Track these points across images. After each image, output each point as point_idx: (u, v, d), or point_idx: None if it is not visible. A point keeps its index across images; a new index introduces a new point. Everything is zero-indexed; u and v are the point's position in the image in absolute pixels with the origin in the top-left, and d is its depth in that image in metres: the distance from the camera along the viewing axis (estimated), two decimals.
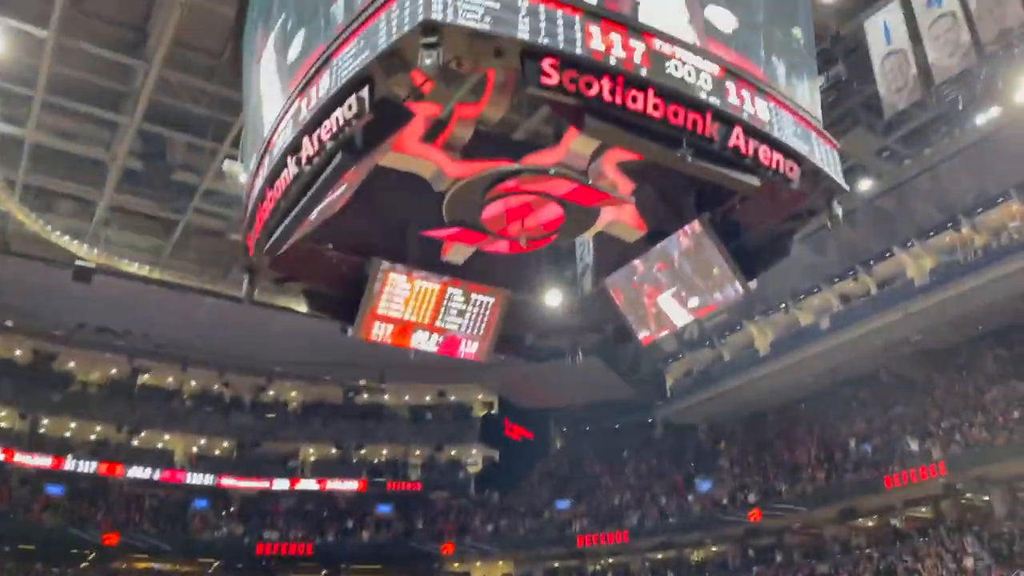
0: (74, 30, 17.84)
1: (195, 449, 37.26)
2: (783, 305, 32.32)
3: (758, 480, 31.85)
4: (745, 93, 7.42)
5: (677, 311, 10.63)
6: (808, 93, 8.60)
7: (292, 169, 7.46)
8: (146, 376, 37.12)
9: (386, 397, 41.38)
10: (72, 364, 35.61)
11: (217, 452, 37.82)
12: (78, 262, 24.04)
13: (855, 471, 28.21)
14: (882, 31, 17.30)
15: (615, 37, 6.63)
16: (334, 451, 39.32)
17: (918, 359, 30.50)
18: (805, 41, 8.93)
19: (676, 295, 10.48)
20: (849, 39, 17.64)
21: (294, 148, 7.39)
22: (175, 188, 23.80)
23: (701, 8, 7.56)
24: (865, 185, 25.20)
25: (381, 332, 10.45)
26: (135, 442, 35.71)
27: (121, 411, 35.33)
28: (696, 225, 9.92)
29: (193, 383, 38.25)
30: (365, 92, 6.53)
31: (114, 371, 36.46)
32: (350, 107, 6.62)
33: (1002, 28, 15.65)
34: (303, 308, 26.21)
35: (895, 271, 28.90)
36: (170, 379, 37.71)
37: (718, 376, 35.03)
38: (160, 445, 36.66)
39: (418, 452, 40.52)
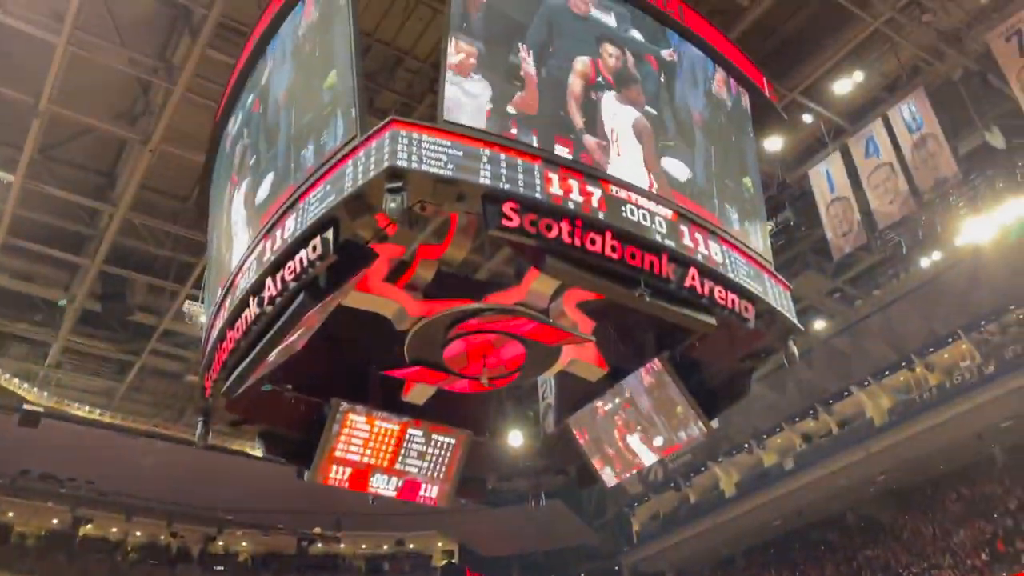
0: (41, 175, 18.07)
1: None
2: (747, 445, 32.20)
3: None
4: (698, 236, 7.73)
5: (643, 450, 10.55)
6: (759, 237, 8.97)
7: (254, 309, 7.48)
8: (88, 527, 35.24)
9: (342, 546, 39.63)
10: (11, 514, 33.77)
11: None
12: (26, 406, 23.29)
13: None
14: (825, 179, 18.29)
15: (573, 183, 6.94)
16: None
17: (883, 499, 30.28)
18: (755, 189, 9.40)
19: (642, 434, 10.43)
20: (795, 187, 18.59)
21: (257, 288, 7.44)
22: (132, 330, 23.51)
23: (658, 159, 7.98)
24: (819, 325, 25.82)
25: (339, 476, 10.19)
26: None
27: (60, 565, 33.25)
28: (657, 364, 10.02)
29: (138, 533, 36.33)
30: (330, 234, 6.68)
31: (55, 521, 34.57)
32: (314, 248, 6.74)
33: (937, 178, 16.65)
34: (258, 452, 25.61)
35: (854, 410, 29.15)
36: (114, 529, 35.81)
37: (685, 519, 34.28)
38: None
39: None
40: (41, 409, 23.45)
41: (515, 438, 12.42)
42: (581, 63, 7.78)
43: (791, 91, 17.08)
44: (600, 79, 7.88)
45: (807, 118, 18.12)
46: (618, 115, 7.82)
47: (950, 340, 26.44)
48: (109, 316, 22.68)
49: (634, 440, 10.49)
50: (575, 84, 7.64)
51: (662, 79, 8.57)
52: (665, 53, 8.76)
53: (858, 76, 17.15)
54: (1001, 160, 17.43)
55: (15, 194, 18.02)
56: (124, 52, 15.66)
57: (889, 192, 17.14)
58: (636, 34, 8.56)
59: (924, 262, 23.36)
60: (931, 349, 26.87)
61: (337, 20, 7.63)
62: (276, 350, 7.81)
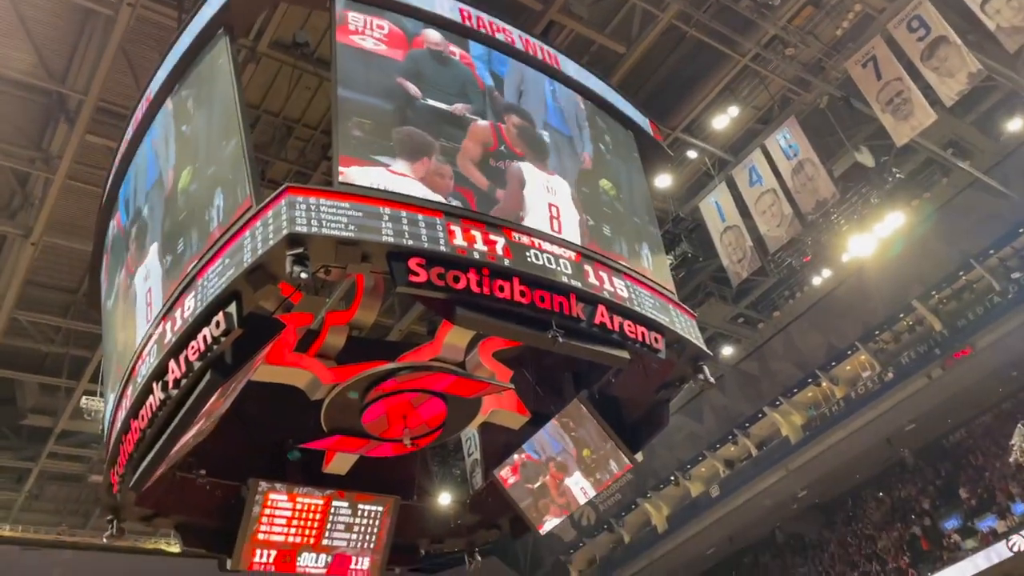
0: None
1: None
2: (672, 477, 32.55)
3: None
4: (603, 274, 7.92)
5: (578, 489, 10.55)
6: (660, 270, 9.25)
7: (158, 395, 7.20)
8: None
9: None
10: None
11: None
12: None
13: None
14: (716, 210, 19.04)
15: (476, 233, 7.02)
16: None
17: (808, 515, 31.01)
18: (651, 223, 9.71)
19: (575, 474, 10.45)
20: (688, 219, 19.26)
21: (160, 373, 7.17)
22: (26, 435, 22.12)
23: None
24: (727, 351, 26.58)
25: (264, 559, 9.75)
26: None
27: None
28: (577, 404, 10.10)
29: None
30: (233, 308, 6.52)
31: None
32: (218, 324, 6.56)
33: (818, 200, 17.56)
34: (175, 549, 24.33)
35: (770, 431, 29.92)
36: None
37: (621, 561, 34.19)
38: None
39: None
40: None
41: (444, 498, 12.20)
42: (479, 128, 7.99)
43: (673, 130, 17.81)
44: (502, 147, 8.09)
45: (691, 154, 18.91)
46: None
47: (849, 352, 27.55)
48: (0, 422, 21.32)
49: (569, 481, 10.48)
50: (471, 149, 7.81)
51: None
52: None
53: (733, 111, 18.03)
54: (873, 177, 18.53)
55: None
56: None
57: (775, 216, 17.96)
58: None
59: (816, 280, 24.45)
60: (833, 363, 27.92)
61: (219, 95, 7.57)
62: (186, 435, 7.49)
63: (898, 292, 25.42)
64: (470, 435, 11.77)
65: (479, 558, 11.86)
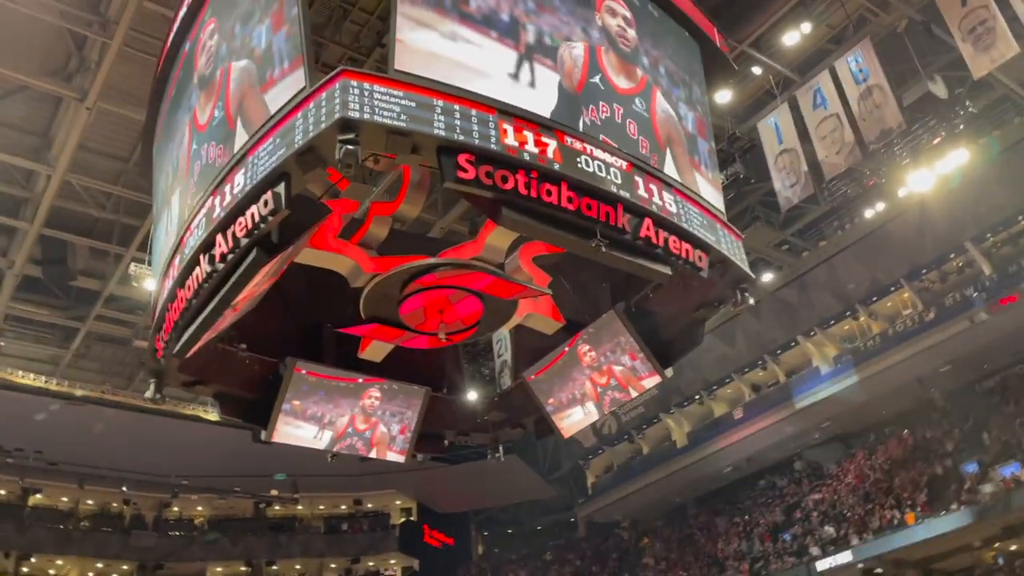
0: None
1: (91, 574, 34.58)
2: (697, 396, 32.87)
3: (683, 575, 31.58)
4: (653, 187, 7.75)
5: (605, 398, 10.69)
6: (712, 188, 9.05)
7: (204, 267, 7.32)
8: (38, 496, 34.63)
9: (300, 508, 39.65)
10: None
11: None
12: None
13: (778, 559, 28.32)
14: (774, 131, 18.47)
15: (528, 134, 6.88)
16: (244, 568, 37.14)
17: (829, 445, 31.28)
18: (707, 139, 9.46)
19: (598, 384, 10.58)
20: (744, 139, 18.73)
21: (207, 246, 7.28)
22: (76, 295, 22.91)
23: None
24: (767, 277, 26.30)
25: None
26: (25, 568, 32.93)
27: (9, 535, 32.66)
28: (612, 315, 10.12)
29: (90, 502, 35.85)
30: (281, 188, 6.53)
31: (2, 492, 33.90)
32: (265, 203, 6.60)
33: (883, 129, 16.91)
34: (212, 416, 25.34)
35: (801, 360, 29.90)
36: (65, 499, 35.26)
37: (638, 471, 35.01)
38: (52, 572, 33.89)
39: (334, 565, 38.59)
40: None
41: (472, 394, 12.45)
42: None
43: (740, 43, 17.13)
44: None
45: (756, 70, 18.23)
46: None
47: (893, 289, 27.14)
48: (51, 281, 22.05)
49: (598, 388, 10.64)
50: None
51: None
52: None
53: (806, 27, 17.24)
54: (943, 110, 17.77)
55: None
56: (56, 5, 15.01)
57: (836, 143, 17.38)
58: None
59: (869, 213, 23.83)
60: (874, 298, 27.57)
61: None
62: (230, 307, 7.67)
63: (951, 232, 24.77)
64: (502, 336, 11.90)
65: (502, 454, 12.19)
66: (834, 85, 17.41)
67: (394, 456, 11.03)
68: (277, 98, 6.88)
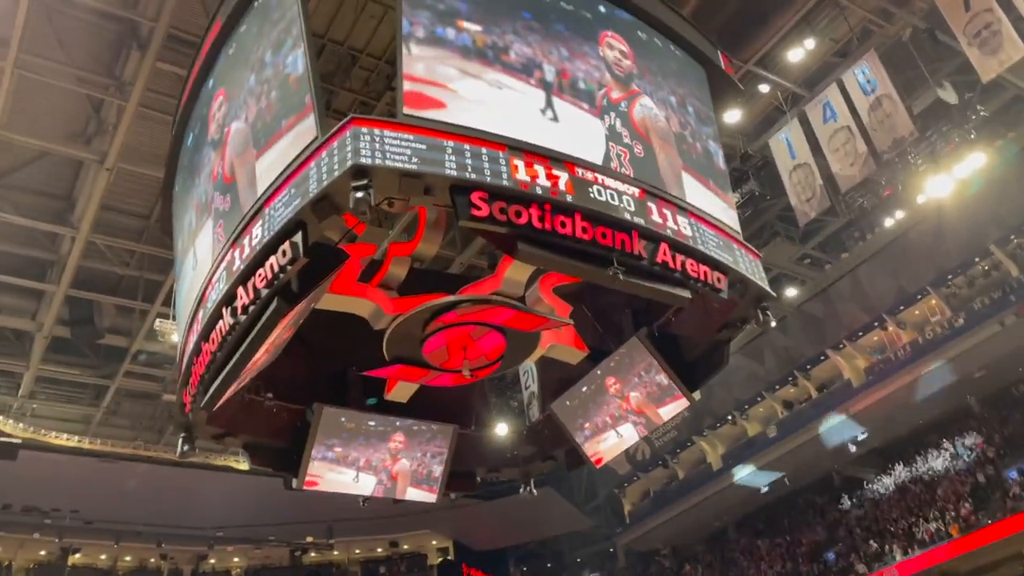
0: None
1: None
2: (730, 417, 32.51)
3: None
4: (667, 211, 7.76)
5: (634, 425, 10.63)
6: (726, 208, 9.05)
7: (227, 320, 7.39)
8: (77, 556, 34.81)
9: (335, 553, 39.49)
10: None
11: None
12: (2, 439, 22.90)
13: None
14: (786, 147, 18.47)
15: (539, 168, 6.93)
16: None
17: (867, 459, 30.75)
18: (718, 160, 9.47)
19: (627, 411, 10.52)
20: (757, 157, 18.74)
21: (228, 299, 7.35)
22: (104, 353, 23.20)
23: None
24: (791, 292, 26.13)
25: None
26: None
27: None
28: (636, 342, 10.09)
29: (128, 558, 35.95)
30: (299, 237, 6.61)
31: (43, 553, 34.10)
32: (284, 253, 6.67)
33: (895, 138, 16.86)
34: (243, 466, 25.43)
35: (832, 373, 29.55)
36: (103, 556, 35.41)
37: (675, 496, 34.60)
38: None
39: None
40: (18, 440, 23.07)
41: (501, 428, 12.42)
42: None
43: (745, 63, 17.21)
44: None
45: (763, 88, 18.29)
46: None
47: (919, 297, 26.84)
48: (79, 341, 22.36)
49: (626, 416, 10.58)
50: None
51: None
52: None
53: (809, 43, 17.32)
54: (955, 115, 17.70)
55: None
56: (72, 71, 15.41)
57: (849, 155, 17.34)
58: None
59: (888, 222, 23.67)
60: (901, 307, 27.27)
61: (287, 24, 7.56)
62: (254, 359, 7.74)
63: (974, 236, 24.53)
64: (528, 368, 11.89)
65: (533, 488, 12.08)
66: (843, 97, 17.42)
67: (425, 496, 10.99)
68: (286, 152, 7.01)
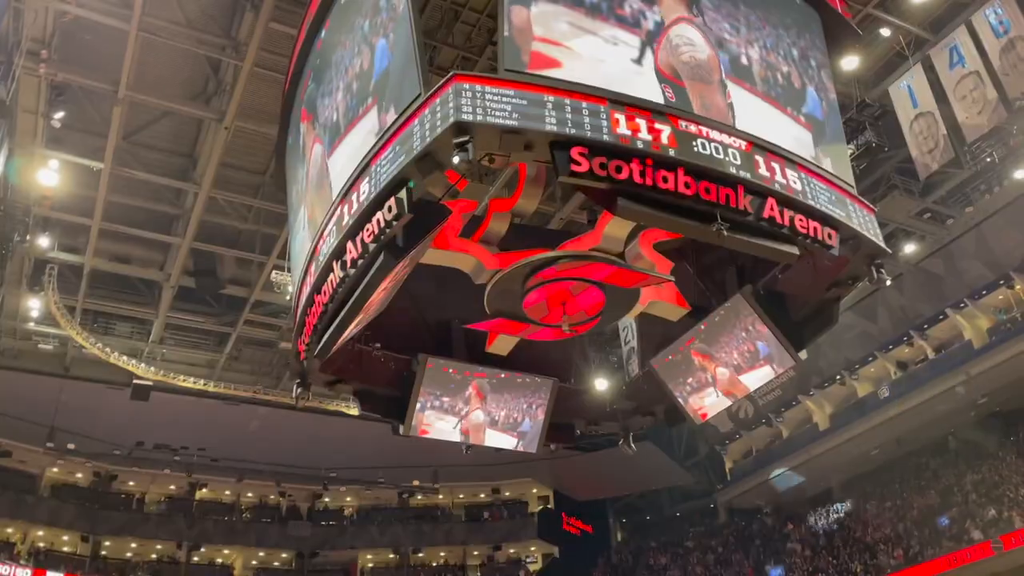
0: (127, 160, 18.85)
1: (254, 562, 36.94)
2: (839, 377, 31.52)
3: (832, 562, 30.41)
4: (775, 165, 7.53)
5: (738, 383, 10.50)
6: (839, 161, 8.69)
7: (338, 273, 7.71)
8: (204, 491, 37.28)
9: (440, 497, 40.88)
10: (132, 483, 36.00)
11: (276, 564, 37.43)
12: (136, 381, 24.63)
13: (934, 546, 26.85)
14: (908, 95, 17.44)
15: (640, 121, 6.85)
16: (391, 556, 38.67)
17: (986, 423, 29.29)
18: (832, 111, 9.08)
19: (729, 369, 10.39)
20: (875, 106, 17.78)
21: (339, 253, 7.66)
22: (226, 303, 24.53)
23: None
24: (910, 248, 24.87)
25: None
26: (195, 558, 35.59)
27: (180, 528, 35.37)
28: (740, 299, 9.91)
29: (250, 495, 38.27)
30: (403, 194, 6.79)
31: (172, 487, 36.70)
32: (390, 209, 6.88)
33: None
34: (354, 412, 26.49)
35: (951, 334, 28.14)
36: (227, 492, 37.79)
37: (778, 455, 33.98)
38: (220, 560, 36.45)
39: (476, 552, 39.60)
40: (150, 383, 24.74)
41: (601, 383, 12.48)
42: None
43: (865, 5, 16.29)
44: None
45: (884, 32, 17.26)
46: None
47: None
48: (203, 291, 23.71)
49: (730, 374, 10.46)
50: None
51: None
52: None
53: None
54: None
55: (105, 181, 18.85)
56: (192, 33, 16.08)
57: (977, 102, 16.23)
58: None
59: (1018, 174, 22.09)
60: None
61: None
62: (364, 309, 8.04)
63: None
64: (628, 324, 11.87)
65: (633, 442, 12.14)
66: (972, 40, 16.26)
67: (524, 447, 11.22)
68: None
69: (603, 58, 7.16)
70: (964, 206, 24.36)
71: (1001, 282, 26.29)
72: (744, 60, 8.12)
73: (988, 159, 18.67)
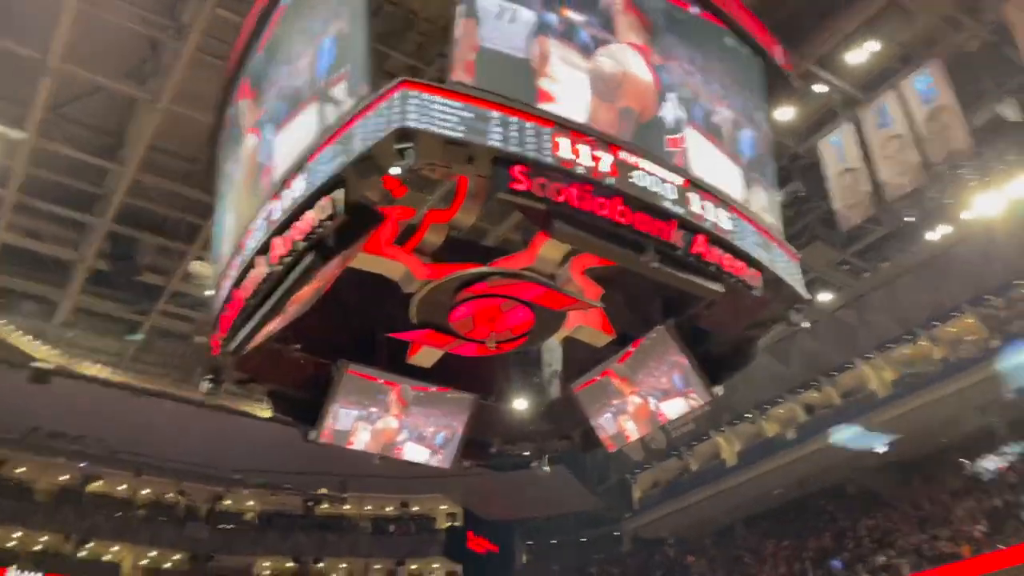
0: (51, 133, 18.08)
1: (144, 562, 35.52)
2: (749, 415, 32.36)
3: None
4: (708, 204, 7.71)
5: (652, 415, 10.62)
6: (769, 207, 8.95)
7: (262, 269, 7.53)
8: (98, 483, 35.75)
9: (347, 507, 40.16)
10: (22, 470, 34.31)
11: (168, 565, 36.06)
12: (36, 363, 23.53)
13: None
14: (836, 150, 18.13)
15: (583, 147, 6.91)
16: (291, 564, 37.74)
17: (884, 471, 30.48)
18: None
19: (647, 400, 10.52)
20: (805, 158, 18.44)
21: (265, 249, 7.48)
22: (141, 290, 23.63)
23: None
24: (825, 297, 25.79)
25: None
26: (83, 553, 34.02)
27: (69, 520, 33.81)
28: (663, 331, 10.07)
29: (146, 491, 36.87)
30: (339, 194, 6.69)
31: (65, 477, 35.09)
32: (323, 209, 6.76)
33: (950, 150, 16.45)
34: (265, 413, 25.86)
35: (857, 382, 29.24)
36: (123, 487, 36.34)
37: (686, 488, 34.60)
38: (107, 557, 34.93)
39: (378, 566, 38.95)
40: (51, 367, 23.68)
41: (520, 403, 12.49)
42: None
43: (804, 60, 16.89)
44: None
45: (819, 88, 17.94)
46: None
47: (955, 314, 26.41)
48: (118, 276, 22.79)
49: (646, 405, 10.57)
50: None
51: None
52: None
53: (873, 46, 16.93)
54: (1013, 133, 17.25)
55: (25, 152, 18.04)
56: (134, 10, 15.58)
57: (900, 163, 16.98)
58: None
59: (932, 236, 23.21)
60: (936, 323, 26.86)
61: None
62: (284, 310, 7.86)
63: (1021, 257, 23.98)
64: (552, 346, 11.92)
65: (547, 464, 12.17)
66: (900, 105, 17.03)
67: (438, 462, 11.12)
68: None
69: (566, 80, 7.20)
70: (880, 261, 25.41)
71: (908, 337, 27.50)
72: (688, 96, 8.29)
73: (907, 219, 19.47)
